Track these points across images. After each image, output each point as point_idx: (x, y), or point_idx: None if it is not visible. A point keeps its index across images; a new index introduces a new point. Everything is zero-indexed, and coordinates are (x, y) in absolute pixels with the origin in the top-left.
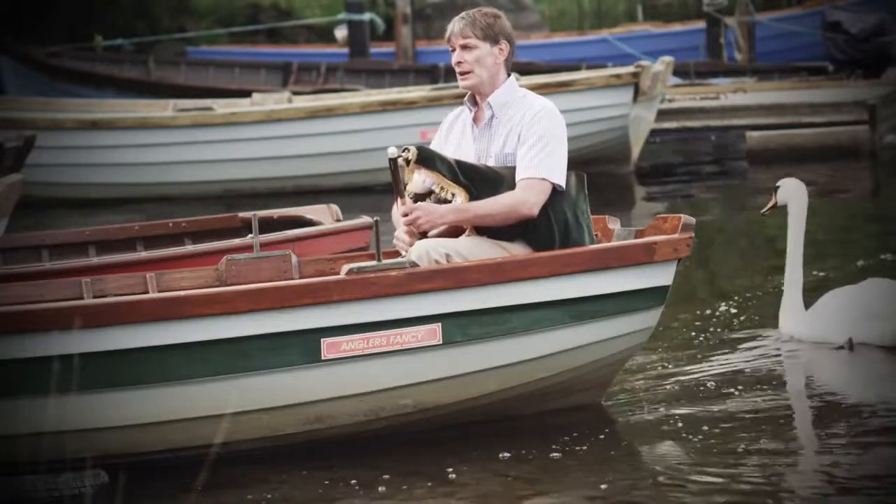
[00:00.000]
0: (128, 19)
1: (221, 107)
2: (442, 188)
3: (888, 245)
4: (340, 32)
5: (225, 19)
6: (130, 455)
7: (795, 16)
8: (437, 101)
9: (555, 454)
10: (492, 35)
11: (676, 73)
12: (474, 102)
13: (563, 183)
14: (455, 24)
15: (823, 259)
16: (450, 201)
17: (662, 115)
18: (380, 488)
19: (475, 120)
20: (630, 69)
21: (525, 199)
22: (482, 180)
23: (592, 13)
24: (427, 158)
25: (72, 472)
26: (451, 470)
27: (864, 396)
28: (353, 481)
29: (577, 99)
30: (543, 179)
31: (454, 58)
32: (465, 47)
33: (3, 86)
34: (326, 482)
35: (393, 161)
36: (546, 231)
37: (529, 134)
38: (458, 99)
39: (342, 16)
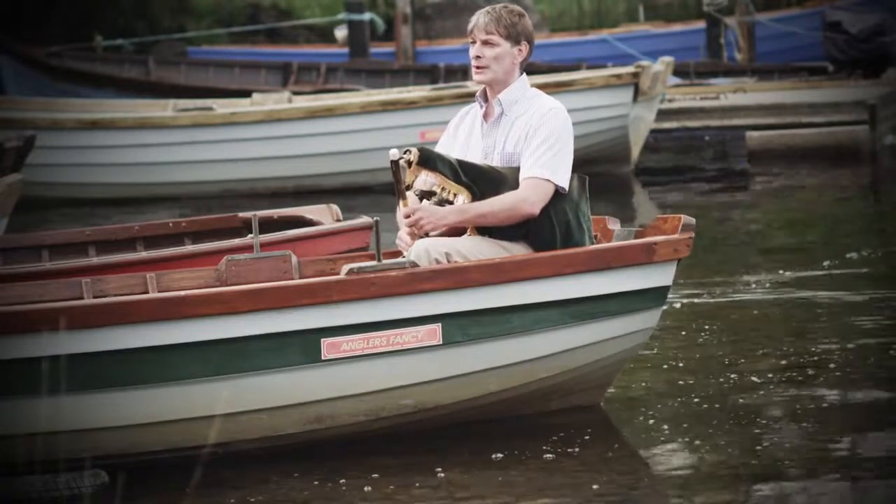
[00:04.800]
0: (128, 19)
1: (221, 107)
2: (444, 189)
3: (884, 245)
4: (340, 32)
5: (225, 19)
6: (130, 455)
7: (795, 16)
8: (437, 101)
9: (554, 454)
10: (514, 35)
11: (676, 73)
12: (485, 98)
13: (566, 185)
14: (480, 18)
15: (818, 258)
16: (452, 202)
17: (662, 115)
18: (379, 488)
19: (485, 116)
20: (630, 69)
21: (527, 197)
22: (484, 180)
23: (592, 13)
24: (428, 160)
25: (71, 471)
26: (450, 470)
27: None
28: (352, 481)
29: (577, 99)
30: (547, 180)
31: (473, 51)
32: (486, 43)
33: (3, 86)
34: (326, 482)
35: (395, 163)
36: (547, 232)
37: (537, 134)
38: (458, 99)
39: (342, 16)
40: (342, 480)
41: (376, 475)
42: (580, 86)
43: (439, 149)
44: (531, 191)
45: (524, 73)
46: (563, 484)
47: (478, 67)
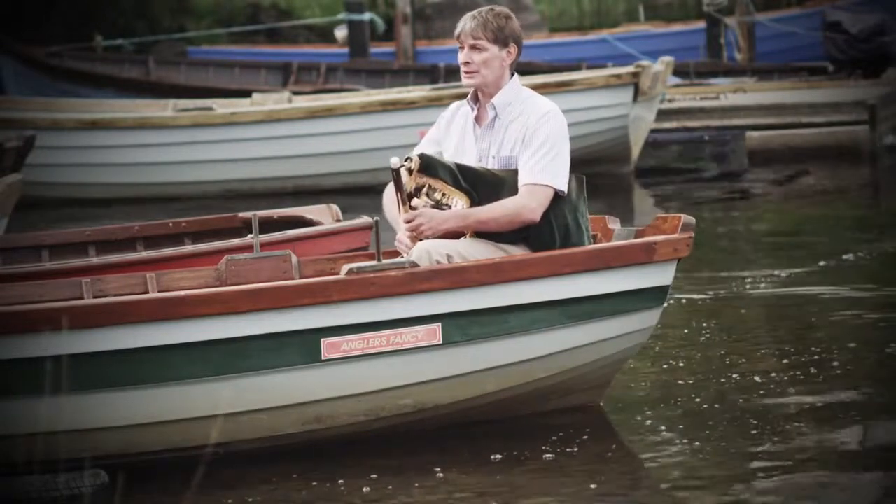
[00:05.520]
0: (128, 19)
1: (221, 107)
2: (443, 194)
3: (884, 244)
4: (340, 32)
5: (225, 19)
6: (130, 455)
7: (795, 16)
8: (437, 101)
9: (554, 454)
10: (502, 38)
11: (676, 73)
12: (476, 100)
13: (565, 188)
14: (466, 23)
15: (817, 257)
16: (450, 206)
17: (662, 115)
18: (378, 489)
19: (477, 119)
20: (630, 69)
21: (527, 204)
22: (483, 184)
23: (592, 13)
24: (429, 166)
25: (71, 471)
26: (449, 470)
27: None
28: (351, 482)
29: (577, 99)
30: (547, 186)
31: (462, 56)
32: (474, 48)
33: (3, 86)
34: (326, 482)
35: (396, 171)
36: (547, 235)
37: (534, 138)
38: (457, 99)
39: (342, 16)
40: (341, 481)
41: (375, 475)
42: (580, 86)
43: (427, 143)
44: (531, 197)
45: (515, 74)
46: (562, 484)
47: (467, 72)
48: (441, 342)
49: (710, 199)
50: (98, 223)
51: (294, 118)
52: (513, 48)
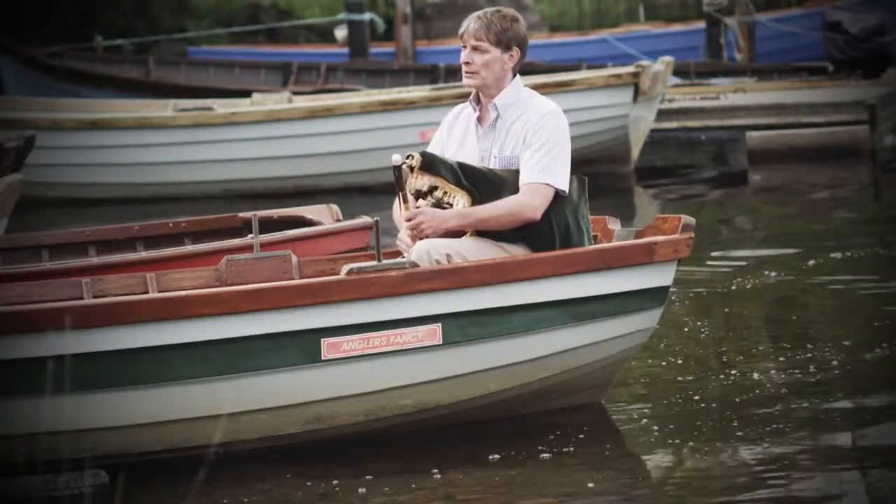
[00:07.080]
0: (128, 19)
1: (221, 107)
2: (445, 192)
3: (883, 244)
4: (340, 32)
5: (225, 19)
6: (130, 455)
7: (795, 16)
8: (437, 101)
9: (554, 454)
10: (504, 41)
11: (676, 73)
12: (478, 101)
13: (566, 188)
14: (470, 24)
15: (817, 257)
16: (451, 205)
17: (662, 115)
18: (376, 489)
19: (479, 120)
20: (630, 69)
21: (528, 203)
22: (485, 183)
23: (592, 13)
24: (430, 164)
25: (71, 471)
26: (449, 470)
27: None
28: (350, 482)
29: (577, 99)
30: (548, 185)
31: (463, 56)
32: (475, 49)
33: (3, 86)
34: (324, 483)
35: (397, 168)
36: (547, 235)
37: (535, 138)
38: (457, 99)
39: (342, 16)
40: (340, 481)
41: (375, 475)
42: (580, 86)
43: (433, 147)
44: (532, 196)
45: (517, 75)
46: (561, 483)
47: (468, 73)
48: (441, 342)
49: (710, 200)
50: (98, 223)
51: (294, 118)
52: (515, 51)
